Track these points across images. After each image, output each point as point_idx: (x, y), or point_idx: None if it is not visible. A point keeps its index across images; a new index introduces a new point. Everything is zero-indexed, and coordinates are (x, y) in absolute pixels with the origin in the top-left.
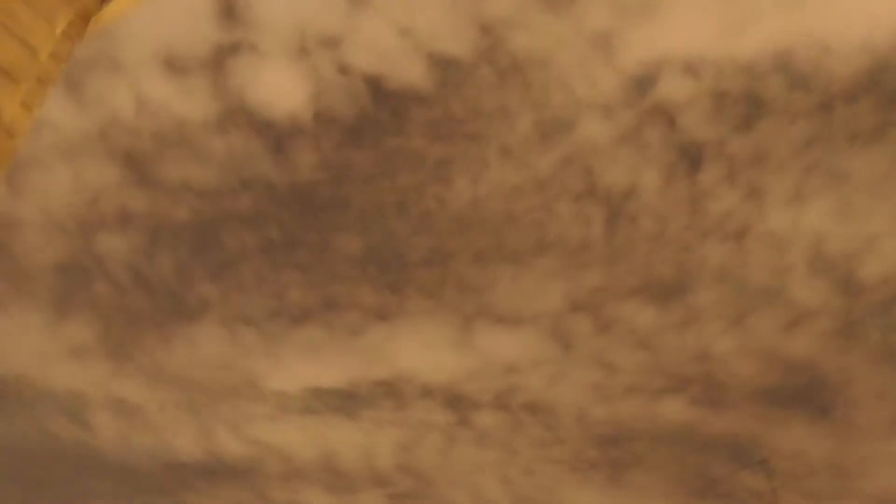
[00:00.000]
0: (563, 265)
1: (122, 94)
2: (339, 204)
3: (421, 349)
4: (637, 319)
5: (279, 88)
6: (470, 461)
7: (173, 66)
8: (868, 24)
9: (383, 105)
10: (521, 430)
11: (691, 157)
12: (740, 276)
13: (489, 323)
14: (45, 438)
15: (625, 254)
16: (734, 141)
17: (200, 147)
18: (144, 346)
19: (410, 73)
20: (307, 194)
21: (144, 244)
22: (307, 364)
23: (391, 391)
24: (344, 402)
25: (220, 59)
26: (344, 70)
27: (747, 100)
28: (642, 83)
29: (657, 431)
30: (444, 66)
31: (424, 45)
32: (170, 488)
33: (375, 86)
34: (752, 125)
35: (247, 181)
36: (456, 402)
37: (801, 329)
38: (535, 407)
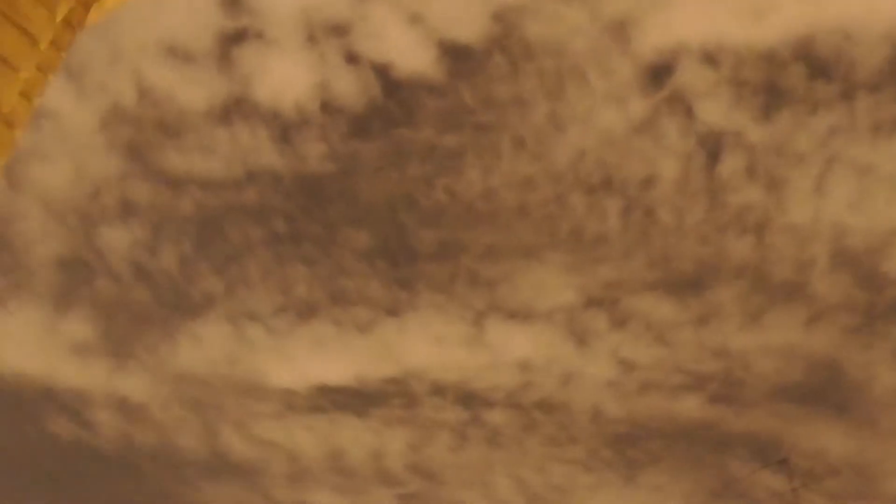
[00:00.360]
0: (578, 259)
1: (125, 84)
2: (347, 196)
3: (431, 345)
4: (654, 315)
5: (285, 77)
6: (482, 461)
7: (177, 54)
8: (892, 11)
9: (392, 94)
10: (534, 429)
11: (710, 148)
12: (760, 270)
13: (501, 318)
14: (46, 438)
15: (641, 247)
16: (754, 131)
17: (205, 138)
18: (147, 343)
19: (420, 61)
20: (314, 186)
21: (147, 238)
22: (314, 361)
23: (401, 389)
24: (352, 399)
25: (224, 48)
26: (352, 59)
27: (767, 89)
28: (659, 72)
29: (674, 430)
30: (454, 54)
31: (435, 33)
32: (173, 488)
33: (384, 75)
34: (773, 115)
35: (252, 173)
36: (467, 399)
37: (823, 325)
38: (548, 405)
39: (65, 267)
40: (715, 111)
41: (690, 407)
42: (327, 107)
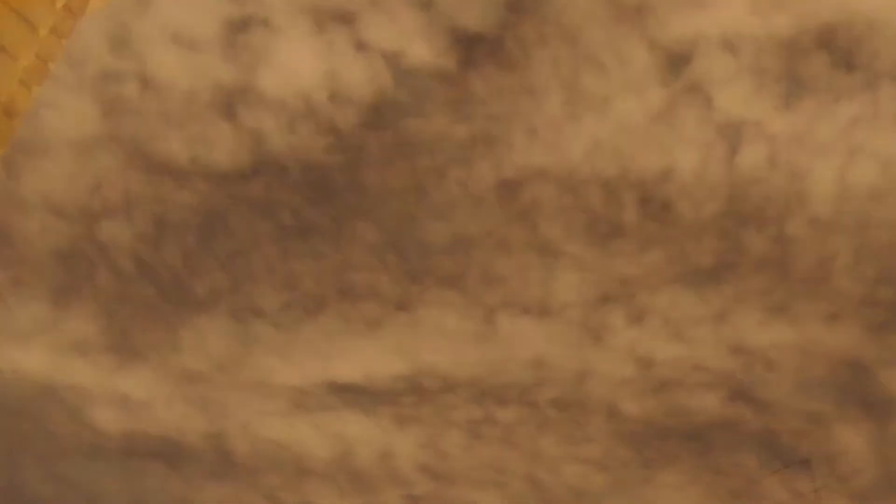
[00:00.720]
0: (594, 253)
1: (127, 72)
2: (356, 188)
3: (443, 342)
4: (671, 311)
5: (292, 66)
6: (495, 460)
7: (181, 41)
8: None
9: (402, 83)
10: (548, 428)
11: (730, 139)
12: (782, 264)
13: (515, 314)
14: (46, 436)
15: (659, 241)
16: (775, 121)
17: (209, 128)
18: (150, 340)
19: (431, 49)
20: (322, 178)
21: (150, 231)
22: (322, 358)
23: (411, 386)
24: (361, 397)
25: (230, 35)
26: (361, 46)
27: (788, 78)
28: (677, 60)
29: (692, 429)
30: (466, 42)
31: (446, 20)
32: (177, 488)
33: (394, 63)
34: (794, 105)
35: (258, 164)
36: (480, 397)
37: (846, 321)
38: (563, 403)
39: (66, 261)
40: (735, 101)
41: (709, 405)
42: (335, 96)
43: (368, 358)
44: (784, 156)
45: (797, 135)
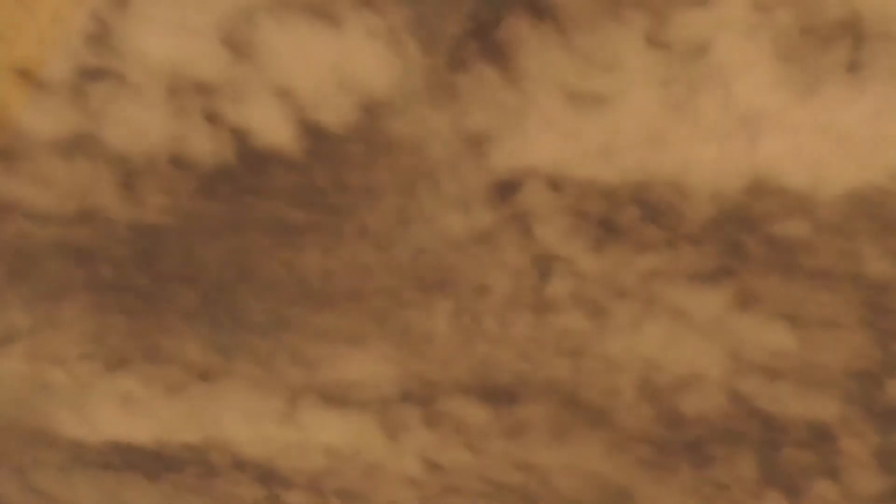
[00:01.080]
0: (593, 255)
1: (110, 68)
2: (365, 181)
3: (443, 344)
4: (673, 314)
5: (299, 56)
6: (505, 462)
7: (183, 29)
8: None
9: (392, 81)
10: (545, 436)
11: (750, 129)
12: (790, 264)
13: (515, 314)
14: (22, 446)
15: (663, 241)
16: (797, 110)
17: (210, 120)
18: (136, 345)
19: (420, 46)
20: (329, 171)
21: (137, 233)
22: (327, 355)
23: (419, 385)
24: (366, 396)
25: (233, 24)
26: (372, 35)
27: (807, 67)
28: (694, 49)
29: (692, 439)
30: (458, 38)
31: (435, 15)
32: (177, 487)
33: (403, 53)
34: (813, 95)
35: (262, 156)
36: (490, 395)
37: (853, 327)
38: (559, 410)
39: (48, 266)
40: (755, 89)
41: (709, 414)
42: (343, 85)
43: (375, 357)
44: (802, 149)
45: (816, 126)
